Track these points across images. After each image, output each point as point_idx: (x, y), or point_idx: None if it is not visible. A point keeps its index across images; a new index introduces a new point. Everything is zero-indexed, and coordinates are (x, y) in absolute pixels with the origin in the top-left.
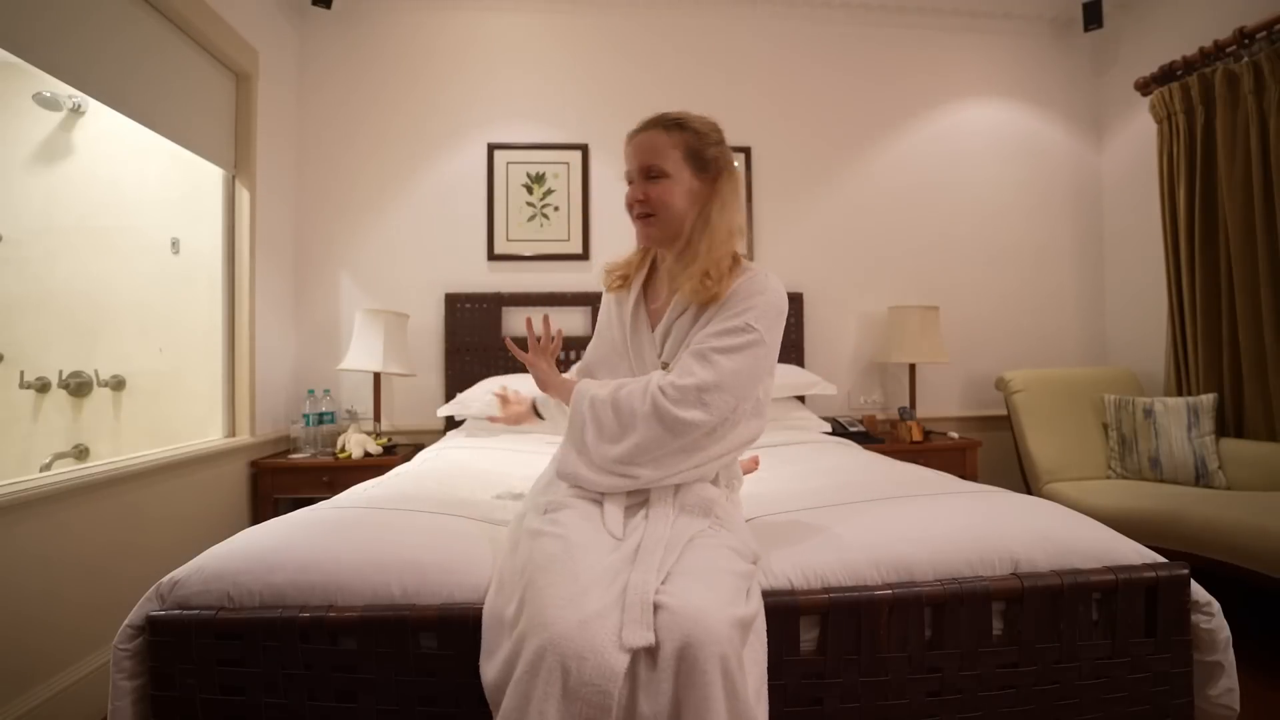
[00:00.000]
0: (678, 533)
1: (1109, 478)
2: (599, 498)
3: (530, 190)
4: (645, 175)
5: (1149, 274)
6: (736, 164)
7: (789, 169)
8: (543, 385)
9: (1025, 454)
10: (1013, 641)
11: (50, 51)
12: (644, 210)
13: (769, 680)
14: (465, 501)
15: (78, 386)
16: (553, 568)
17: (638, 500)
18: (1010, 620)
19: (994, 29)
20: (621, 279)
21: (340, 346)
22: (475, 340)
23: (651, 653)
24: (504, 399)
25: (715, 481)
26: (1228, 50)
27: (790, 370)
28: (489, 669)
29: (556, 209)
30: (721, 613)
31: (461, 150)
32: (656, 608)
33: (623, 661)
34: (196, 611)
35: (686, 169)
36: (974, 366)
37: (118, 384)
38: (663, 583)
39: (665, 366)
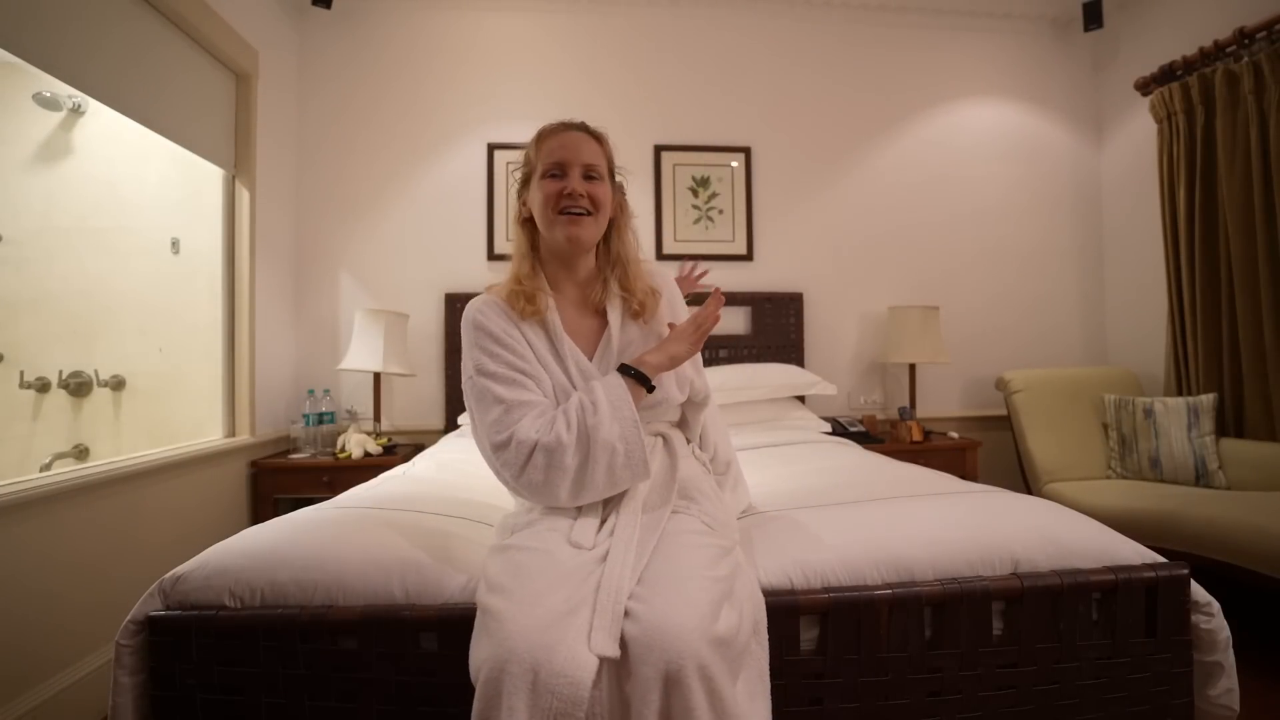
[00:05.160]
0: (649, 523)
1: (1109, 478)
2: (573, 514)
3: None
4: (585, 174)
5: (1149, 274)
6: (735, 164)
7: (788, 169)
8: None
9: (1025, 454)
10: (1013, 641)
11: (50, 51)
12: (585, 207)
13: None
14: (465, 502)
15: (78, 386)
16: (521, 571)
17: (612, 507)
18: (1010, 620)
19: (994, 29)
20: (531, 303)
21: (340, 346)
22: None
23: (633, 675)
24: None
25: (668, 447)
26: (1228, 50)
27: (790, 370)
28: (474, 656)
29: None
30: (699, 631)
31: (461, 150)
32: (627, 613)
33: (594, 658)
34: (196, 612)
35: (609, 180)
36: (974, 366)
37: (118, 384)
38: (637, 584)
39: None
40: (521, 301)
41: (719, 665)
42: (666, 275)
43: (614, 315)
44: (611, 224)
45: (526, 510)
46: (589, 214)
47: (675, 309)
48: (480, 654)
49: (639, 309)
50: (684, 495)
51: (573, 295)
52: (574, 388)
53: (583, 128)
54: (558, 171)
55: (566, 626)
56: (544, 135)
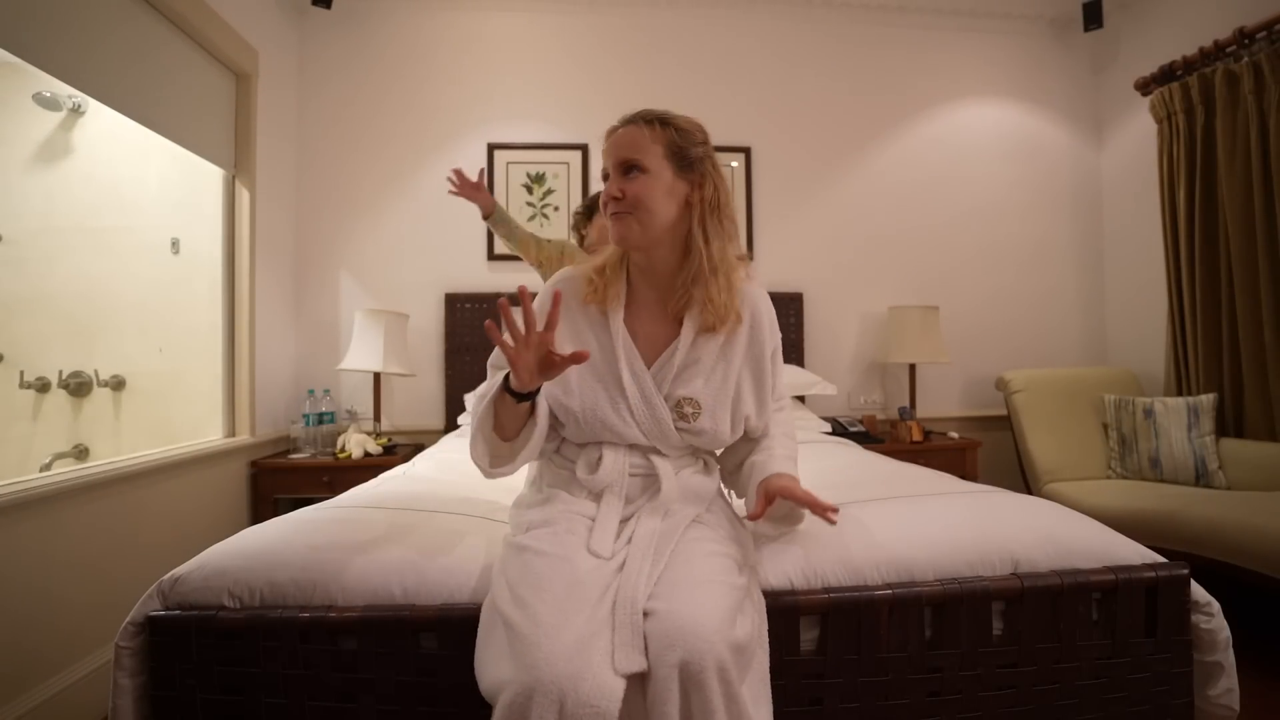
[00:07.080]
0: (667, 530)
1: (1109, 478)
2: (591, 515)
3: (530, 190)
4: (622, 171)
5: (1149, 274)
6: (735, 164)
7: (788, 169)
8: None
9: (1025, 454)
10: (1013, 641)
11: (50, 51)
12: (620, 208)
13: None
14: (466, 501)
15: (78, 386)
16: (542, 584)
17: (633, 509)
18: (1010, 620)
19: (994, 29)
20: (600, 290)
21: (340, 346)
22: (475, 340)
23: (652, 674)
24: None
25: (708, 470)
26: (1228, 50)
27: (790, 370)
28: (493, 672)
29: (556, 209)
30: (719, 633)
31: (461, 150)
32: (647, 614)
33: (620, 682)
34: (196, 612)
35: (668, 167)
36: (974, 366)
37: (118, 384)
38: (655, 585)
39: (682, 410)
40: (591, 288)
41: (736, 670)
42: (761, 300)
43: (689, 327)
44: (694, 220)
45: (538, 493)
46: (629, 213)
47: (761, 336)
48: (502, 673)
49: (712, 323)
50: (706, 508)
51: (651, 299)
52: (623, 385)
53: (637, 118)
54: (607, 173)
55: (591, 651)
56: (605, 140)
